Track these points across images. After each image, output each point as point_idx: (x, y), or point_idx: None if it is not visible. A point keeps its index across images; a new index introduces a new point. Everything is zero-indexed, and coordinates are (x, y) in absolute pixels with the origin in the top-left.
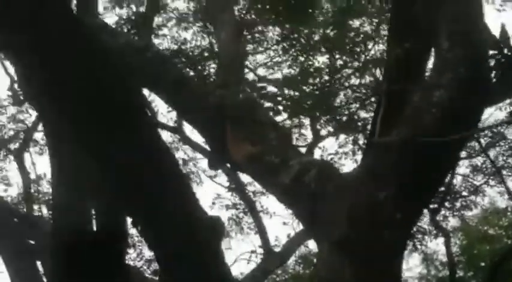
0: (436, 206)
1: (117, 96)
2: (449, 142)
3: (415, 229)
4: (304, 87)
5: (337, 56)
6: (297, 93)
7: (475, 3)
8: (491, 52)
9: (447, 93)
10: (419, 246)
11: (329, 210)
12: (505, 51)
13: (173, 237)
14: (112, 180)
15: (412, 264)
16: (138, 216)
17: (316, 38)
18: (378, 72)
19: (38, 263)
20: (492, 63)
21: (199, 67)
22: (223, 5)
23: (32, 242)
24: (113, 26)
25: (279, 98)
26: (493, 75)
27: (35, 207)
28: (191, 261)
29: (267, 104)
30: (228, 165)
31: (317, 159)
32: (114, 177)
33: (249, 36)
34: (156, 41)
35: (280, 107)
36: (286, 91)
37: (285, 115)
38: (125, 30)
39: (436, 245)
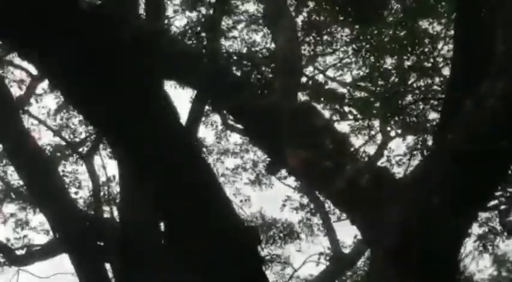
0: (505, 207)
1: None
2: (503, 147)
3: (486, 230)
4: (373, 88)
5: (406, 57)
6: (365, 95)
7: None
8: None
9: (502, 98)
10: (489, 248)
11: (383, 216)
12: None
13: (208, 247)
14: (150, 190)
15: (482, 266)
16: (174, 226)
17: (386, 39)
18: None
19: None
20: None
21: (267, 69)
22: (282, 9)
23: (102, 244)
24: (178, 30)
25: (347, 100)
26: None
27: (106, 208)
28: (226, 270)
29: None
30: (285, 170)
31: (372, 164)
32: (153, 186)
33: (318, 38)
34: (226, 43)
35: (347, 109)
36: (355, 93)
37: (350, 117)
38: (194, 33)
39: (506, 246)
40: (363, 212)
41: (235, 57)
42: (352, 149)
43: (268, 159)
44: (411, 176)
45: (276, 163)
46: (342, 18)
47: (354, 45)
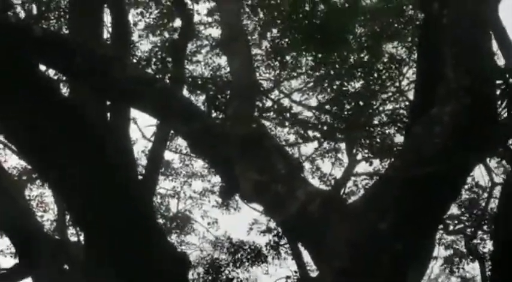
0: (471, 230)
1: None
2: (451, 172)
3: (452, 252)
4: (339, 112)
5: (372, 82)
6: (330, 118)
7: (483, 33)
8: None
9: (451, 123)
10: (456, 271)
11: (332, 239)
12: (511, 80)
13: (137, 273)
14: (77, 214)
15: None
16: (102, 251)
17: (351, 62)
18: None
19: None
20: (498, 92)
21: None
22: (236, 35)
23: (67, 267)
24: (142, 55)
25: (312, 124)
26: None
27: (72, 232)
28: None
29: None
30: (238, 195)
31: (322, 189)
32: (79, 209)
33: (283, 62)
34: (190, 67)
35: (311, 133)
36: (320, 116)
37: (315, 141)
38: (159, 57)
39: (472, 269)
40: (312, 235)
41: (199, 81)
42: (304, 174)
43: (222, 184)
44: (361, 199)
45: (230, 188)
46: (305, 45)
47: (319, 71)
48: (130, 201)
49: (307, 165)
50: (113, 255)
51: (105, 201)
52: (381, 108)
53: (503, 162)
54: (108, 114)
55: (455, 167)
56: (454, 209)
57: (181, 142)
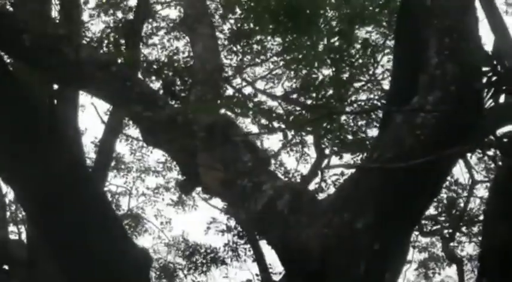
0: (449, 231)
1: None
2: (433, 167)
3: (427, 256)
4: (307, 102)
5: (343, 69)
6: (298, 108)
7: (470, 16)
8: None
9: (434, 113)
10: (431, 275)
11: (302, 239)
12: (499, 68)
13: (96, 271)
14: (32, 211)
15: None
16: (56, 249)
17: (320, 48)
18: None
19: None
20: (484, 80)
21: (186, 79)
22: (200, 15)
23: (6, 267)
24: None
25: (277, 114)
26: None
27: (13, 229)
28: None
29: (263, 121)
30: (200, 189)
31: (292, 183)
32: (35, 207)
33: (246, 47)
34: (145, 50)
35: (276, 124)
36: (286, 106)
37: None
38: (111, 39)
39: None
40: (281, 233)
41: (154, 66)
42: (273, 167)
43: (182, 177)
44: (334, 196)
45: (191, 181)
46: (272, 27)
47: (285, 56)
48: (85, 195)
49: None
50: (69, 253)
51: (58, 194)
52: (353, 98)
53: (485, 158)
54: (55, 101)
55: (437, 160)
56: (430, 209)
57: (133, 133)
